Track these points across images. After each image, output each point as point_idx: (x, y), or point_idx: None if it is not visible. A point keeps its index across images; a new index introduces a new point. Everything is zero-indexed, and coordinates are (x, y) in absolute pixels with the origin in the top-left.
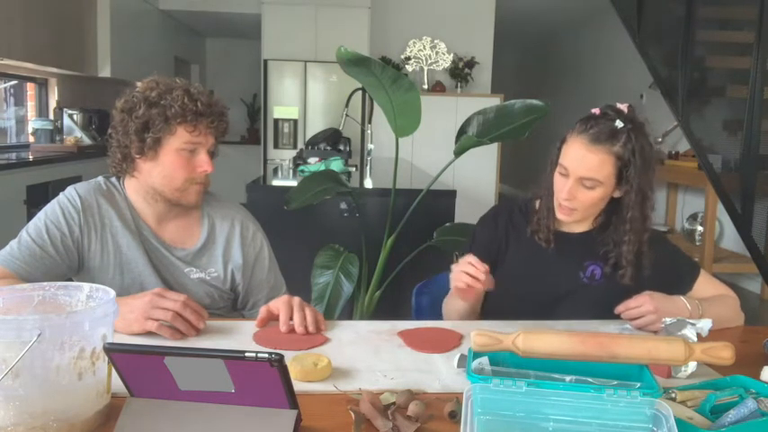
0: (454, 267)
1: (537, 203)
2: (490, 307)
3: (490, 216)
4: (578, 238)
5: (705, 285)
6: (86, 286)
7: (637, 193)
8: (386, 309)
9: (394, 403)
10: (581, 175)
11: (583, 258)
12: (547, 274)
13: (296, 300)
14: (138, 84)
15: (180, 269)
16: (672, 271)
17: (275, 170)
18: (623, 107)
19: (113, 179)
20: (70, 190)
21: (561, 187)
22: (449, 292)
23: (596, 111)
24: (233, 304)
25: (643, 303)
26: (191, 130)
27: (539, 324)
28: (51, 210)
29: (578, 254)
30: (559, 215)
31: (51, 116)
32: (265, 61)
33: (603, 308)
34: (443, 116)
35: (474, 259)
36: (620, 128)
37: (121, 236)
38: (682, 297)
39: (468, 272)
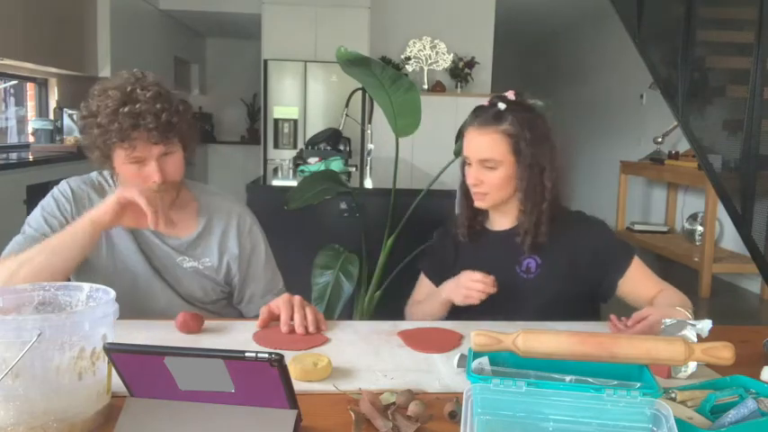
0: (464, 283)
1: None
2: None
3: (438, 232)
4: (509, 234)
5: (640, 274)
6: (86, 286)
7: (531, 164)
8: (386, 309)
9: (394, 403)
10: (480, 158)
11: (518, 253)
12: (486, 273)
13: (296, 299)
14: (96, 89)
15: (172, 258)
16: (604, 255)
17: (275, 170)
18: (509, 94)
19: (105, 173)
20: (62, 184)
21: (468, 176)
22: (411, 297)
23: (486, 103)
24: (229, 299)
25: (641, 324)
26: (126, 148)
27: (539, 324)
28: (47, 203)
29: (512, 249)
30: (477, 204)
31: (51, 116)
32: (265, 61)
33: (541, 299)
34: (443, 116)
35: (479, 276)
36: (504, 109)
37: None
38: (679, 308)
39: (479, 289)
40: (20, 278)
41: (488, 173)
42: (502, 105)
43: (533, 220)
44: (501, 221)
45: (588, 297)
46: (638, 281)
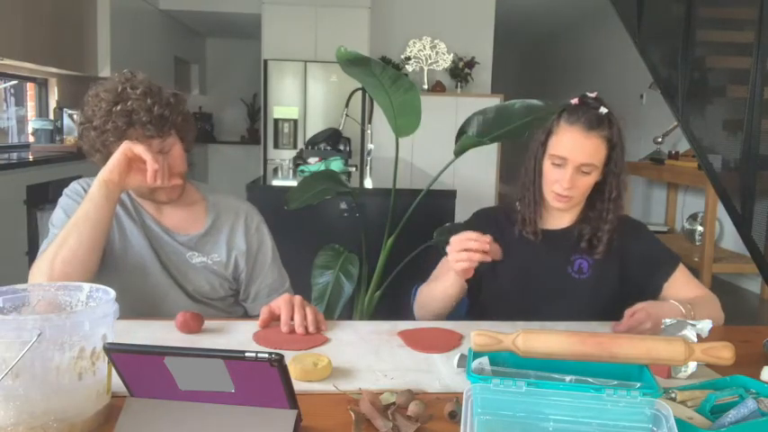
0: (451, 248)
1: (518, 203)
2: (483, 308)
3: (473, 219)
4: (563, 233)
5: (683, 278)
6: (86, 286)
7: (619, 173)
8: (386, 309)
9: (394, 403)
10: (581, 162)
11: (569, 253)
12: (535, 271)
13: (297, 299)
14: (89, 94)
15: (182, 255)
16: (652, 259)
17: (275, 170)
18: (594, 95)
19: None
20: (74, 184)
21: (558, 177)
22: (422, 284)
23: (576, 101)
24: (236, 296)
25: (638, 312)
26: None
27: (539, 324)
28: (65, 202)
29: (564, 249)
30: (556, 204)
31: (51, 116)
32: (265, 61)
33: (593, 301)
34: (443, 116)
35: (474, 234)
36: (605, 113)
37: (124, 221)
38: (673, 302)
39: (470, 248)
40: (59, 262)
41: (582, 177)
42: (603, 110)
43: (608, 227)
44: (559, 221)
45: (636, 299)
46: (680, 286)
